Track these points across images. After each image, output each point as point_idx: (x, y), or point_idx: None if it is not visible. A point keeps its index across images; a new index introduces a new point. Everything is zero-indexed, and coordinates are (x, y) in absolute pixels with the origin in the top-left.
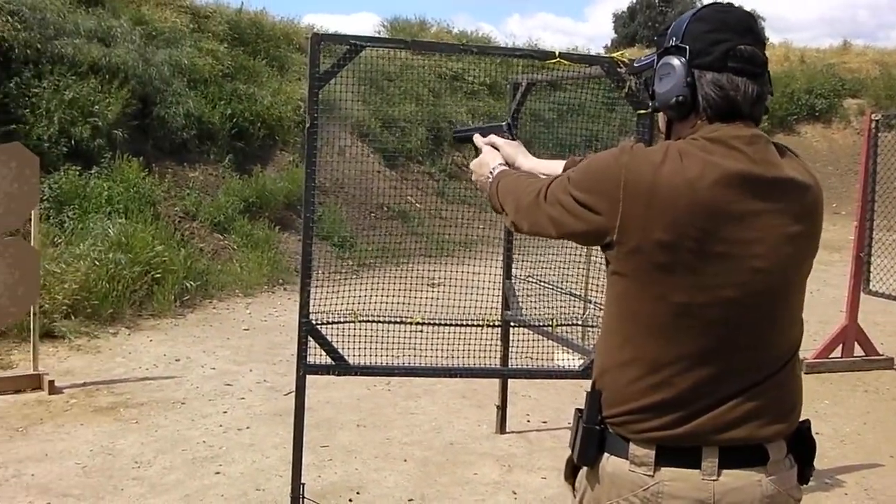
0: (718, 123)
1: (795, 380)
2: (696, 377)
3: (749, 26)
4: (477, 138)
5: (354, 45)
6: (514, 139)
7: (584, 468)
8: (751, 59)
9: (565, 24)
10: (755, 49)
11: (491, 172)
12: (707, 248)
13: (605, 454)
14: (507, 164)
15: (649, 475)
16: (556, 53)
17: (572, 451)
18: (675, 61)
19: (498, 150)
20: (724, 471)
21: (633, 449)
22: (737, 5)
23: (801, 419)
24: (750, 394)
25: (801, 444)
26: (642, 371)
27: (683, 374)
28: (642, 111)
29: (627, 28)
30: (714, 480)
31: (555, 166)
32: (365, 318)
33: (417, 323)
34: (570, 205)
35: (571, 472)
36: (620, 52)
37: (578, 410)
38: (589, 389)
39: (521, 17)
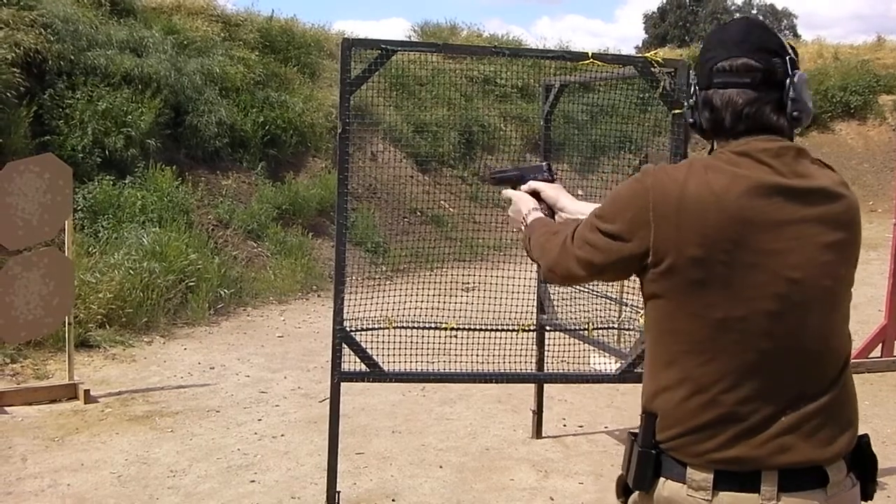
0: (746, 137)
1: (849, 395)
2: (745, 393)
3: (742, 38)
4: (509, 191)
5: (385, 50)
6: (553, 180)
7: (636, 492)
8: (735, 71)
9: (595, 25)
10: (746, 59)
11: (524, 221)
12: (738, 260)
13: (662, 478)
14: (547, 207)
15: (707, 500)
16: (589, 54)
17: (626, 474)
18: (692, 87)
19: (539, 193)
20: (783, 495)
21: (691, 473)
22: (739, 17)
23: (859, 434)
24: (804, 412)
25: (862, 460)
26: (691, 390)
27: (731, 390)
28: (677, 111)
29: (658, 28)
30: None
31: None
32: (399, 325)
33: (452, 329)
34: (599, 241)
35: (623, 492)
36: (654, 52)
37: (632, 434)
38: (641, 412)
39: (550, 20)
